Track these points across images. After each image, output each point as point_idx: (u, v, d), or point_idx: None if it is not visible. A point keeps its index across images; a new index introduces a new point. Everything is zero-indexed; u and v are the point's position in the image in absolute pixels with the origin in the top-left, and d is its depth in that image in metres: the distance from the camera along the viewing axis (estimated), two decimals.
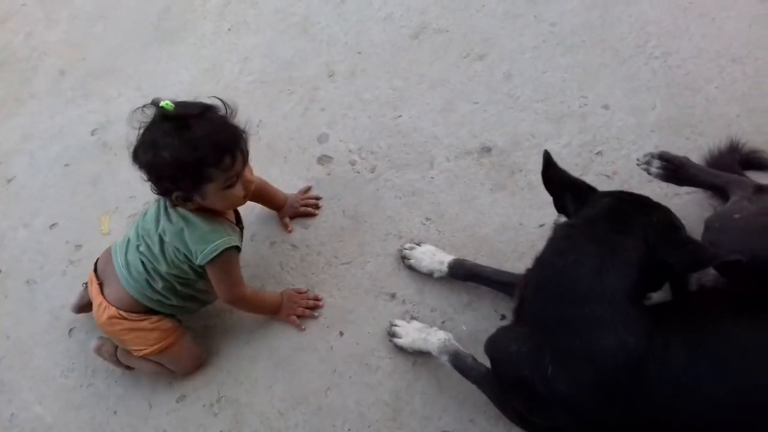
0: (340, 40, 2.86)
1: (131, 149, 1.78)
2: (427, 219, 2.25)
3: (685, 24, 2.46)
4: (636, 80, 2.37)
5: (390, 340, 2.02)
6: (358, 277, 2.19)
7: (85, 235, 2.55)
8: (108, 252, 2.08)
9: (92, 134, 2.89)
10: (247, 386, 2.08)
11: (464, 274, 2.05)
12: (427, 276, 2.11)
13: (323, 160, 2.47)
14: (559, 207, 1.60)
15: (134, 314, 1.96)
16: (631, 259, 1.40)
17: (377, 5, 2.92)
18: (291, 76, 2.80)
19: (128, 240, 2.00)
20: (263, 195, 2.24)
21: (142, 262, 1.93)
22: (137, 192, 2.60)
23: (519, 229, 2.15)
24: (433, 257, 2.09)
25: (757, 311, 1.47)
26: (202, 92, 2.83)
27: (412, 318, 2.05)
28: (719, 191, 1.93)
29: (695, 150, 2.14)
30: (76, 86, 3.13)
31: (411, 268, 2.14)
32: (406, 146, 2.44)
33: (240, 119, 1.86)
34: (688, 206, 2.05)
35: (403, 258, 2.15)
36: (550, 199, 1.64)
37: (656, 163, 1.94)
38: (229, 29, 3.10)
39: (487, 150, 2.35)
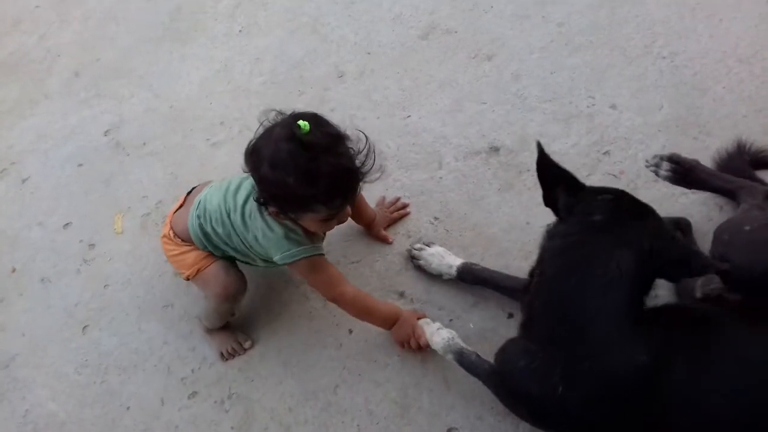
0: (350, 41, 2.88)
1: (250, 147, 1.71)
2: (435, 218, 2.27)
3: (692, 24, 2.46)
4: (643, 80, 2.38)
5: None
6: (366, 275, 2.21)
7: (98, 235, 2.58)
8: (204, 185, 2.12)
9: (105, 134, 2.93)
10: (257, 383, 2.10)
11: (473, 279, 2.05)
12: (435, 275, 2.13)
13: None
14: (548, 200, 1.57)
15: (180, 240, 2.06)
16: (634, 274, 1.37)
17: (387, 6, 2.94)
18: (301, 77, 2.83)
19: (207, 208, 1.97)
20: (356, 211, 2.12)
21: (217, 229, 1.96)
22: (150, 192, 2.64)
23: (526, 228, 2.16)
24: (442, 260, 2.10)
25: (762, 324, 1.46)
26: (214, 92, 2.90)
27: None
28: (729, 196, 1.90)
29: (703, 150, 2.14)
30: (89, 87, 3.17)
31: (419, 269, 2.15)
32: (415, 146, 2.46)
33: (375, 153, 1.76)
34: (694, 206, 2.06)
35: (412, 258, 2.16)
36: None
37: (665, 165, 1.91)
38: (240, 30, 3.13)
39: (495, 150, 2.37)
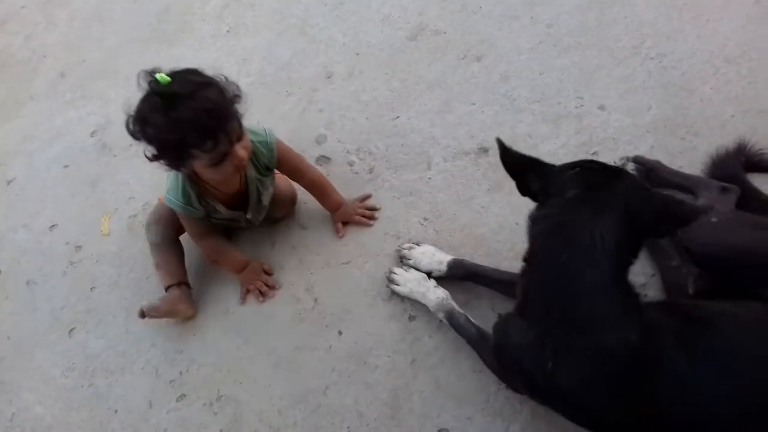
0: (339, 42, 2.87)
1: (129, 116, 1.80)
2: (425, 219, 2.27)
3: (680, 25, 2.47)
4: (631, 81, 2.39)
5: (387, 286, 2.10)
6: (356, 277, 2.21)
7: (84, 236, 2.57)
8: None
9: (91, 136, 2.91)
10: (246, 385, 2.09)
11: (463, 273, 2.06)
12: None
13: (321, 160, 2.49)
14: (523, 189, 1.59)
15: None
16: (619, 239, 1.38)
17: (375, 7, 2.94)
18: (289, 78, 2.82)
19: None
20: (316, 192, 2.30)
21: None
22: (136, 193, 2.63)
23: (515, 228, 2.16)
24: (433, 257, 2.10)
25: (754, 313, 1.47)
26: None
27: (410, 268, 2.11)
28: (688, 191, 2.00)
29: (690, 150, 2.15)
30: (75, 88, 3.15)
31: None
32: (404, 147, 2.46)
33: (242, 96, 1.90)
34: None
35: (402, 258, 2.16)
36: None
37: (630, 165, 2.14)
38: (227, 31, 3.11)
39: (484, 150, 2.36)
